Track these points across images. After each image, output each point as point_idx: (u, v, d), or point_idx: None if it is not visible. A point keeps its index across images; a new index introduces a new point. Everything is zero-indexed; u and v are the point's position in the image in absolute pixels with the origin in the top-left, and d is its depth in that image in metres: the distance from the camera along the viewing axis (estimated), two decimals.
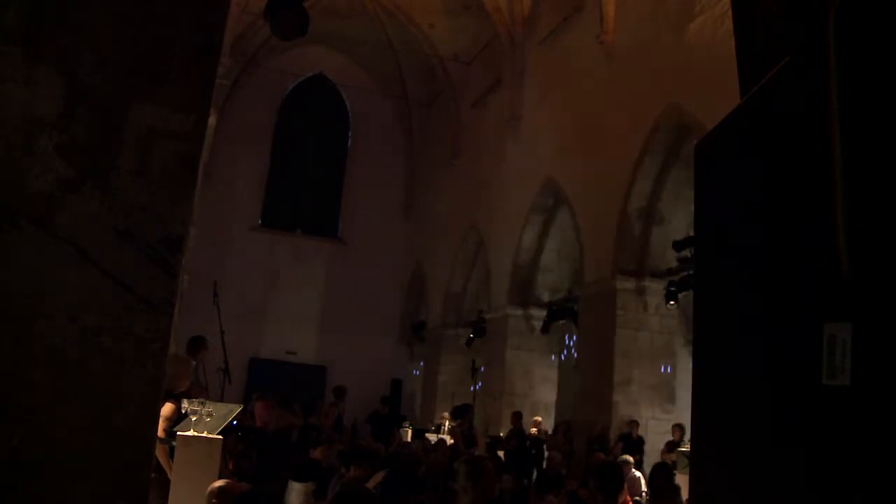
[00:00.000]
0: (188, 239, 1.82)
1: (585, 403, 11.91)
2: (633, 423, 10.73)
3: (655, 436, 10.88)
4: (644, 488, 8.36)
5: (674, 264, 10.81)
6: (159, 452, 4.52)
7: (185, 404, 4.90)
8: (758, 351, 1.20)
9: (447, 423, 13.84)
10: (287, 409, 9.34)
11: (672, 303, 10.86)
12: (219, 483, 3.79)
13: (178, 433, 4.83)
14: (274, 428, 8.54)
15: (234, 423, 6.98)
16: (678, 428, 10.56)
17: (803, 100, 1.11)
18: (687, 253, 10.02)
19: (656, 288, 11.18)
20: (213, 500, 3.64)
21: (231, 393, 9.81)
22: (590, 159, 12.39)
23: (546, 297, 14.51)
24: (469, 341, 16.22)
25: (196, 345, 6.94)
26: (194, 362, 6.34)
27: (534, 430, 12.33)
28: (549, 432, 12.64)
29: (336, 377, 17.75)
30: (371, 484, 4.91)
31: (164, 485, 4.65)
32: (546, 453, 11.11)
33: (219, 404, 5.54)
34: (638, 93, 11.21)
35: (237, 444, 8.10)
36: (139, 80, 1.83)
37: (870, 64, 0.99)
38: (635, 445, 10.32)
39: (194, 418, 4.89)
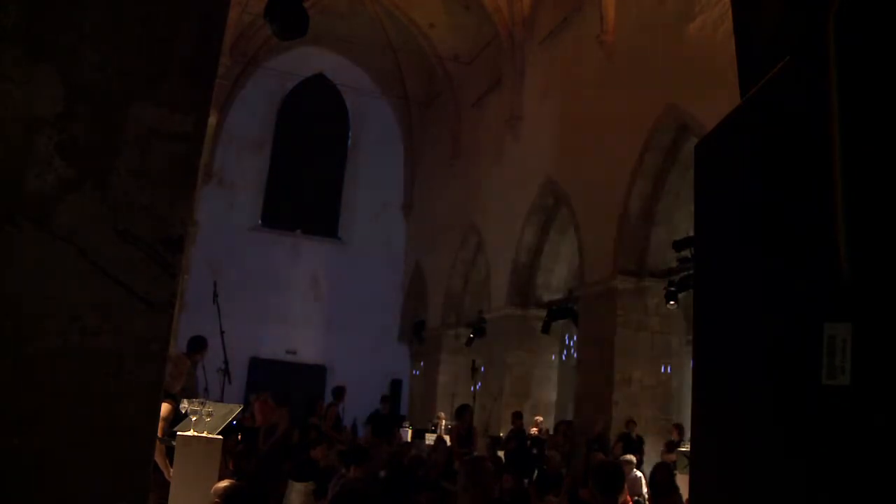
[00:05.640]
0: (188, 239, 1.82)
1: (585, 403, 11.91)
2: (631, 423, 10.73)
3: (655, 436, 10.88)
4: (644, 488, 8.36)
5: (674, 264, 10.81)
6: (156, 452, 4.53)
7: (184, 404, 4.90)
8: (758, 351, 1.20)
9: (443, 423, 13.84)
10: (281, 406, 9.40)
11: (672, 303, 10.86)
12: (224, 483, 3.78)
13: (178, 433, 4.83)
14: (266, 427, 8.59)
15: (234, 423, 6.98)
16: (678, 428, 10.56)
17: (803, 100, 1.11)
18: (687, 253, 10.01)
19: (656, 288, 11.18)
20: (217, 501, 3.64)
21: (231, 393, 9.81)
22: (590, 159, 12.39)
23: (546, 297, 14.50)
24: (469, 341, 16.21)
25: (196, 345, 6.96)
26: (189, 362, 6.35)
27: (534, 429, 12.33)
28: (550, 432, 12.64)
29: (336, 377, 17.77)
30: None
31: (164, 485, 4.65)
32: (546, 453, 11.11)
33: (219, 404, 5.55)
34: (638, 93, 11.21)
35: (237, 444, 8.11)
36: (139, 80, 1.83)
37: (870, 64, 0.99)
38: (635, 445, 10.31)
39: (194, 418, 4.88)
